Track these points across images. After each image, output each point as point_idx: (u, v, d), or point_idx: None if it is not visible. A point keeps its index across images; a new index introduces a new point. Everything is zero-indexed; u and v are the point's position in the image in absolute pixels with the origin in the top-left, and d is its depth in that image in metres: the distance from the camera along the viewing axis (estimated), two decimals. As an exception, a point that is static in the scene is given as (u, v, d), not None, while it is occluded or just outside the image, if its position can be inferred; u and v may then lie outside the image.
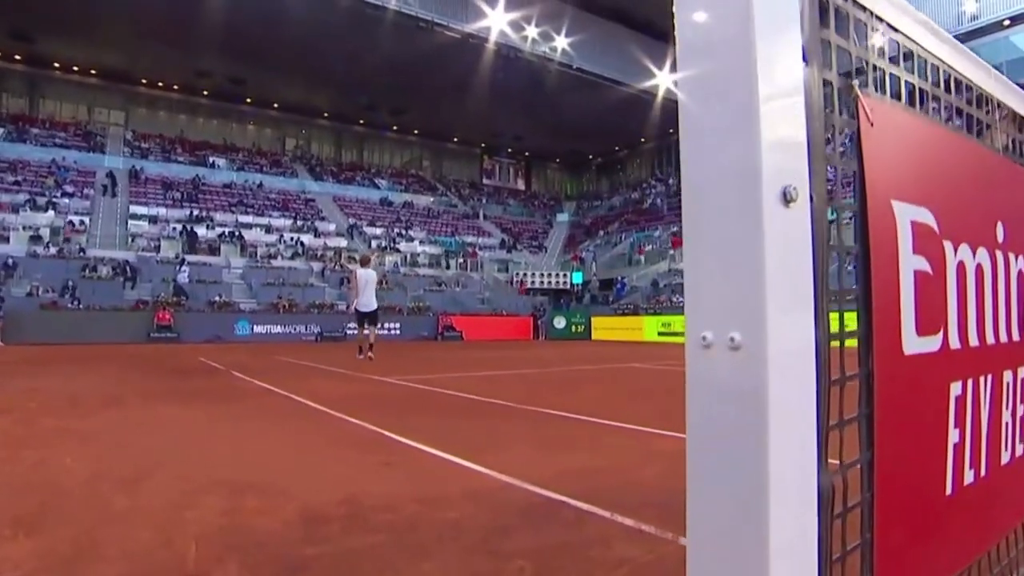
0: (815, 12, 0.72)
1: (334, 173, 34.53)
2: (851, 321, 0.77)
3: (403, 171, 37.74)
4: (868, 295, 0.76)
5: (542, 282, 29.55)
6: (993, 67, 1.17)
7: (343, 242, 27.76)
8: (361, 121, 35.25)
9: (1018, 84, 1.32)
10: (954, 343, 0.93)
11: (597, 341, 22.31)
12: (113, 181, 25.51)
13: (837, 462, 0.72)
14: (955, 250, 0.94)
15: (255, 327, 20.21)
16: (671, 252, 27.20)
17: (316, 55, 24.91)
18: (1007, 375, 1.09)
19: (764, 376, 0.58)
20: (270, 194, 30.02)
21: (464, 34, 24.33)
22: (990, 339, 1.04)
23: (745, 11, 0.61)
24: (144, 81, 29.94)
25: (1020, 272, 1.15)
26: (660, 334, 21.22)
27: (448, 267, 29.30)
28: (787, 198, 0.60)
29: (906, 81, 0.91)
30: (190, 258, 22.59)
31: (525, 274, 29.82)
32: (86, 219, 23.02)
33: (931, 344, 0.87)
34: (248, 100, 32.35)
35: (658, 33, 24.90)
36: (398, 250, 28.91)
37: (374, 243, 28.46)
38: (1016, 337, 1.12)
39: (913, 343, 0.83)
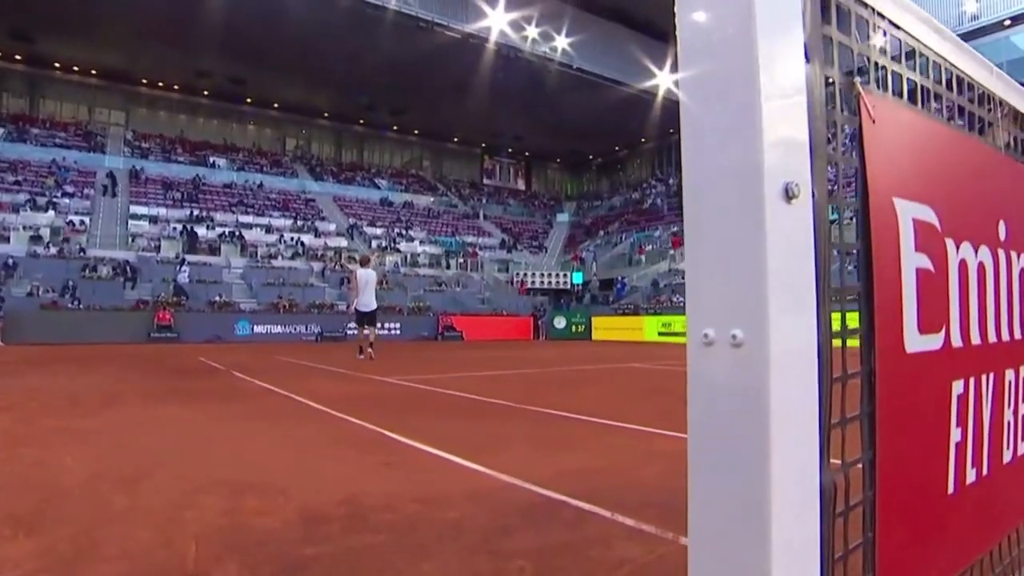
0: (817, 9, 0.72)
1: (334, 173, 34.54)
2: (852, 319, 0.77)
3: (403, 171, 37.74)
4: (870, 292, 0.76)
5: (542, 282, 29.55)
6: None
7: (343, 242, 27.76)
8: (361, 121, 35.25)
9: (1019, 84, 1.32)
10: (956, 341, 0.93)
11: (597, 341, 22.30)
12: (113, 181, 25.51)
13: (838, 462, 0.71)
14: (957, 248, 0.94)
15: (255, 327, 20.21)
16: (671, 252, 27.20)
17: (316, 55, 24.91)
18: (1009, 374, 1.09)
19: (766, 373, 0.57)
20: (270, 194, 30.02)
21: (464, 34, 24.33)
22: (992, 338, 1.04)
23: (747, 8, 0.61)
24: (144, 81, 29.95)
25: (1022, 271, 1.14)
26: (660, 334, 21.22)
27: (448, 267, 29.30)
28: (789, 194, 0.60)
29: (908, 78, 0.91)
30: (190, 258, 22.59)
31: (525, 274, 29.81)
32: (86, 219, 23.02)
33: (933, 342, 0.87)
34: (248, 100, 32.36)
35: (658, 33, 24.91)
36: (398, 250, 28.91)
37: (374, 243, 28.45)
38: (1018, 336, 1.12)
39: (915, 341, 0.83)
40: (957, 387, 0.93)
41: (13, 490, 2.42)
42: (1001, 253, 1.08)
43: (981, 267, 1.01)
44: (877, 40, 0.84)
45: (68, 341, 15.91)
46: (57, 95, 29.37)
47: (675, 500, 2.16)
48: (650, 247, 29.75)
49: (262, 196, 29.58)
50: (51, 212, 22.55)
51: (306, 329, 20.80)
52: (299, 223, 28.07)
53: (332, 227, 28.99)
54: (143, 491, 2.40)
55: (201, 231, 24.65)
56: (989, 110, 1.15)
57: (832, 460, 0.67)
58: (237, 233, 25.45)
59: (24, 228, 21.15)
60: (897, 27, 0.88)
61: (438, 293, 25.87)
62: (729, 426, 0.60)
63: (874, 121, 0.80)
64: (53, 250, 20.66)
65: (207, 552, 1.78)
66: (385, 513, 2.14)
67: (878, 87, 0.84)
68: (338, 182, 33.79)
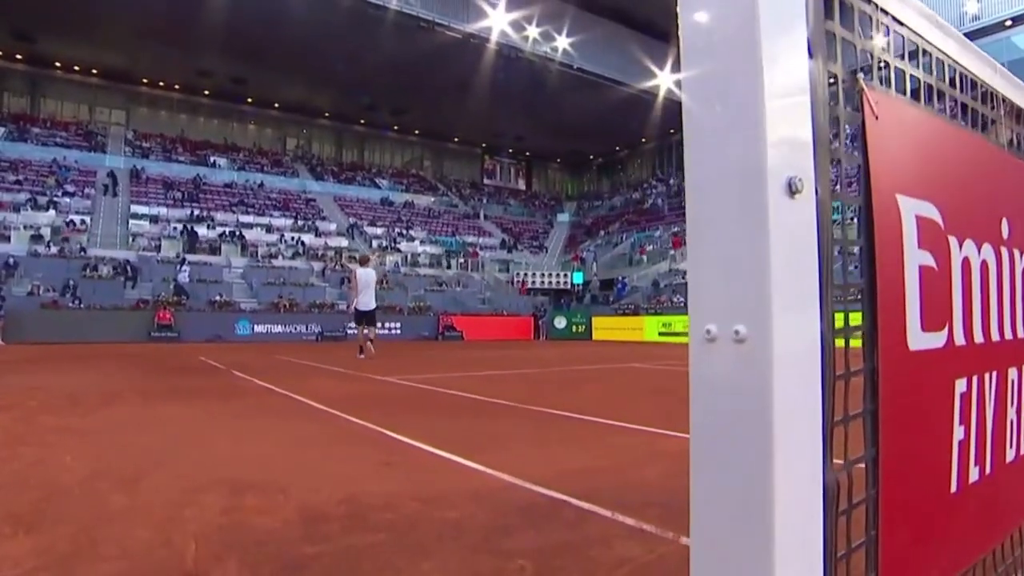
0: (820, 5, 0.72)
1: (335, 173, 34.54)
2: (855, 316, 0.76)
3: (404, 171, 37.75)
4: (873, 289, 0.76)
5: (543, 282, 29.54)
6: (995, 66, 1.16)
7: (344, 242, 27.77)
8: (362, 121, 35.27)
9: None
10: (959, 339, 0.92)
11: (598, 341, 22.30)
12: (114, 181, 25.53)
13: (840, 461, 0.71)
14: (960, 246, 0.94)
15: (256, 327, 20.22)
16: (672, 252, 27.21)
17: (317, 55, 24.93)
18: (1012, 372, 1.09)
19: (769, 369, 0.57)
20: (271, 194, 30.03)
21: (465, 34, 24.34)
22: (995, 336, 1.03)
23: (750, 5, 0.60)
24: (145, 81, 29.98)
25: (1025, 269, 1.14)
26: (661, 334, 21.23)
27: (449, 267, 29.30)
28: (792, 189, 0.59)
29: (911, 75, 0.90)
30: (191, 258, 22.60)
31: (526, 274, 29.81)
32: (87, 218, 23.04)
33: (936, 340, 0.87)
34: (249, 100, 32.38)
35: (659, 33, 24.90)
36: (399, 250, 28.92)
37: (375, 243, 28.47)
38: (1021, 334, 1.11)
39: (918, 339, 0.82)
40: (960, 385, 0.93)
41: (12, 488, 2.41)
42: (1004, 251, 1.07)
43: (984, 265, 1.01)
44: (880, 36, 0.84)
45: (68, 340, 15.92)
46: (58, 95, 29.40)
47: (676, 500, 2.15)
48: (651, 247, 29.75)
49: (263, 196, 29.59)
50: (52, 211, 22.57)
51: (306, 329, 20.81)
52: (300, 223, 28.08)
53: (333, 227, 29.00)
54: (143, 490, 2.40)
55: (202, 231, 24.66)
56: (992, 107, 1.14)
57: (834, 459, 0.67)
58: (238, 233, 25.46)
59: (25, 227, 21.17)
60: (900, 23, 0.87)
61: (438, 293, 25.88)
62: (731, 422, 0.59)
63: (877, 117, 0.79)
64: (54, 249, 20.68)
65: (206, 551, 1.77)
66: (385, 512, 2.13)
67: (881, 83, 0.84)
68: (339, 182, 33.80)
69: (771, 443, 0.57)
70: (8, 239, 20.39)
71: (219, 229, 25.32)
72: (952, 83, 1.01)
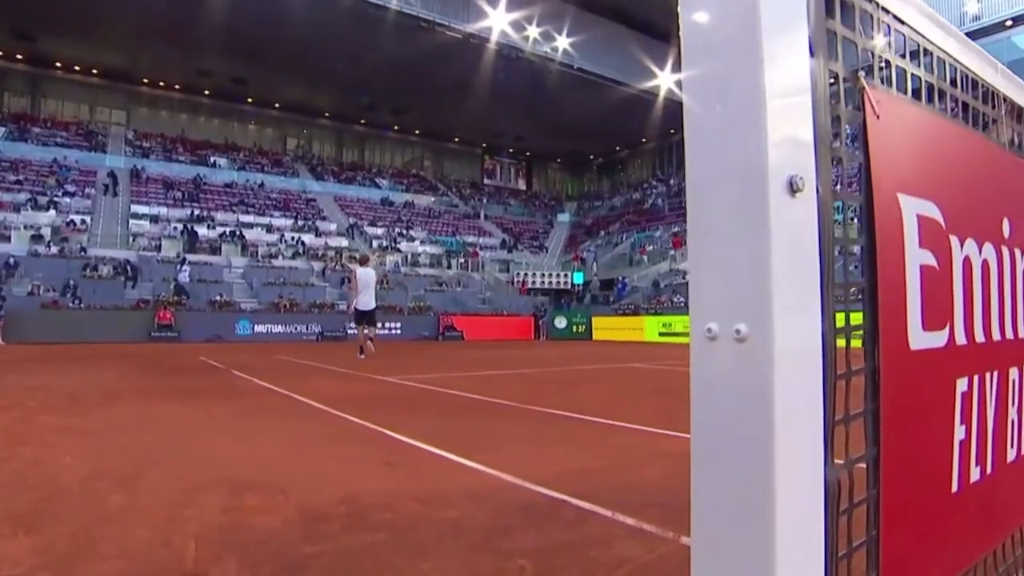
0: (821, 3, 0.72)
1: (335, 173, 34.54)
2: (855, 316, 0.76)
3: (404, 171, 37.75)
4: (874, 289, 0.76)
5: (543, 282, 29.54)
6: (996, 66, 1.16)
7: (344, 242, 27.77)
8: (362, 121, 35.27)
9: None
10: (960, 339, 0.92)
11: (598, 341, 22.29)
12: (114, 180, 25.53)
13: (841, 461, 0.71)
14: (961, 245, 0.94)
15: (256, 327, 20.22)
16: (672, 252, 27.20)
17: (317, 55, 24.92)
18: (1013, 372, 1.08)
19: (770, 368, 0.57)
20: (271, 194, 30.03)
21: (465, 34, 24.34)
22: (996, 336, 1.03)
23: (751, 3, 0.60)
24: (145, 81, 29.99)
25: (1026, 268, 1.14)
26: (661, 334, 21.22)
27: (449, 267, 29.29)
28: (793, 188, 0.59)
29: (912, 74, 0.90)
30: (191, 257, 22.59)
31: (526, 274, 29.80)
32: (87, 218, 23.04)
33: (937, 339, 0.86)
34: (249, 100, 32.38)
35: (659, 33, 24.89)
36: (399, 250, 28.92)
37: (375, 243, 28.46)
38: (1022, 334, 1.11)
39: (919, 338, 0.82)
40: (961, 385, 0.92)
41: (12, 488, 2.41)
42: (1005, 251, 1.07)
43: (985, 265, 1.00)
44: (881, 34, 0.84)
45: (69, 340, 15.92)
46: (58, 94, 29.40)
47: (676, 500, 2.15)
48: (651, 247, 29.75)
49: (263, 196, 29.59)
50: (52, 211, 22.56)
51: (307, 329, 20.80)
52: (300, 223, 28.08)
53: (333, 227, 29.00)
54: (142, 489, 2.40)
55: (202, 230, 24.66)
56: (993, 107, 1.14)
57: (835, 458, 0.66)
58: (238, 233, 25.45)
59: (25, 227, 21.17)
60: (901, 22, 0.87)
61: (439, 293, 25.87)
62: (732, 421, 0.59)
63: (878, 116, 0.79)
64: (54, 249, 20.67)
65: (206, 551, 1.77)
66: (385, 512, 2.13)
67: (882, 83, 0.83)
68: (339, 182, 33.80)
69: (772, 442, 0.57)
70: (8, 239, 20.39)
71: (219, 229, 25.31)
72: (953, 82, 1.01)
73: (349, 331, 18.00)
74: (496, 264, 31.11)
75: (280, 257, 25.15)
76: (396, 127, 36.43)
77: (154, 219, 24.70)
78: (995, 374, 1.02)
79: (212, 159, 30.66)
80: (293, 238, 26.59)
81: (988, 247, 1.01)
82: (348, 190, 33.31)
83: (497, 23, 24.46)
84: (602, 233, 35.10)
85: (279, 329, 20.53)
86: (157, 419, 4.25)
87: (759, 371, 0.57)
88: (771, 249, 0.57)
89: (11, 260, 18.88)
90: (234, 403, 5.08)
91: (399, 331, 21.99)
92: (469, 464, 2.84)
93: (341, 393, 5.72)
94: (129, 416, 4.35)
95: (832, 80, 0.74)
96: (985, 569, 1.00)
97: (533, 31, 25.32)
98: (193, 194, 27.31)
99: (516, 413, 4.59)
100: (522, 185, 41.91)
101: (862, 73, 0.79)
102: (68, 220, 22.41)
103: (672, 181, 35.19)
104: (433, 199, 35.78)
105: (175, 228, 24.29)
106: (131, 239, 23.22)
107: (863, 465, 0.75)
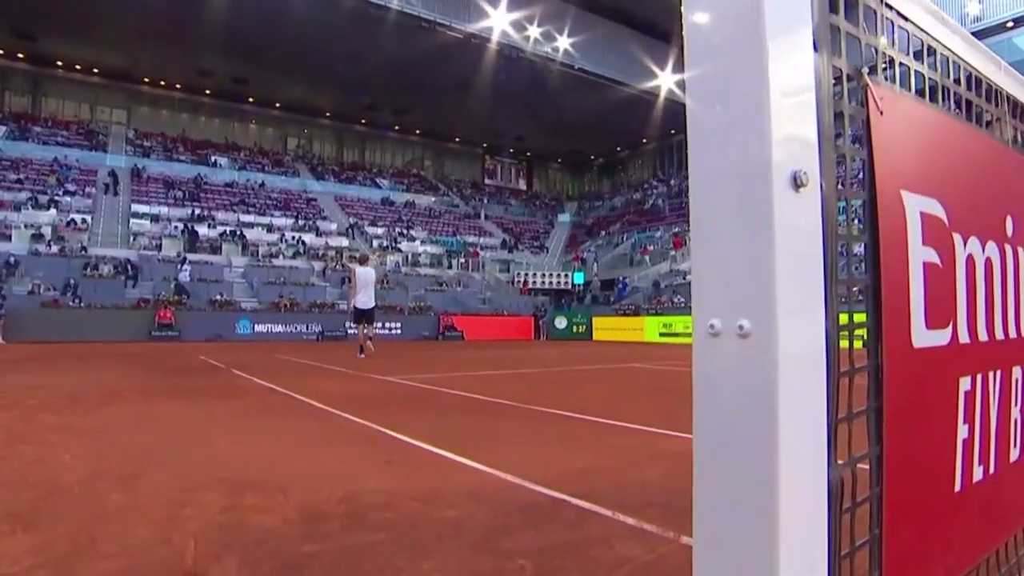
0: (825, 0, 0.71)
1: (336, 173, 34.55)
2: (859, 313, 0.76)
3: (405, 171, 37.75)
4: (877, 286, 0.75)
5: (543, 282, 29.53)
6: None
7: (344, 242, 27.78)
8: (363, 121, 35.28)
9: None
10: (963, 337, 0.92)
11: (598, 341, 22.29)
12: (115, 180, 25.54)
13: (844, 459, 0.70)
14: (964, 243, 0.93)
15: (256, 326, 20.22)
16: (673, 253, 27.20)
17: (318, 55, 24.93)
18: (1016, 371, 1.08)
19: (773, 365, 0.56)
20: (272, 193, 30.04)
21: (466, 34, 24.33)
22: (999, 334, 1.03)
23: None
24: (146, 80, 30.01)
25: (1029, 267, 1.13)
26: (661, 335, 21.22)
27: (449, 267, 29.29)
28: (797, 183, 0.59)
29: (916, 71, 0.90)
30: (191, 257, 22.59)
31: (526, 274, 29.80)
32: (88, 217, 23.05)
33: (940, 338, 0.86)
34: (250, 99, 32.39)
35: (660, 33, 24.88)
36: (399, 250, 28.92)
37: (375, 243, 28.47)
38: (1025, 333, 1.11)
39: (922, 336, 0.82)
40: (964, 383, 0.92)
41: (12, 487, 2.41)
42: (1008, 249, 1.06)
43: (988, 263, 1.00)
44: (885, 31, 0.83)
45: (69, 339, 15.92)
46: (59, 93, 29.42)
47: (677, 500, 2.15)
48: (651, 247, 29.74)
49: (263, 195, 29.60)
50: (53, 210, 22.57)
51: (307, 328, 20.81)
52: (300, 222, 28.08)
53: (333, 226, 29.00)
54: (142, 488, 2.39)
55: (202, 230, 24.67)
56: (997, 105, 1.13)
57: (838, 457, 0.66)
58: (238, 232, 25.46)
59: (26, 226, 21.18)
60: (905, 19, 0.87)
61: (439, 293, 25.87)
62: (735, 418, 0.59)
63: (882, 113, 0.79)
64: (54, 248, 20.68)
65: (206, 550, 1.77)
66: (385, 511, 2.13)
67: (886, 80, 0.83)
68: (339, 181, 33.81)
69: (775, 439, 0.56)
70: (9, 238, 20.40)
71: (220, 228, 25.32)
72: (957, 80, 1.01)
73: (349, 331, 18.01)
74: (496, 264, 31.11)
75: (280, 257, 25.16)
76: (397, 127, 36.44)
77: (155, 218, 24.72)
78: (998, 373, 1.01)
79: (213, 159, 30.67)
80: (294, 238, 26.59)
81: (991, 245, 1.01)
82: (349, 190, 33.32)
83: (498, 23, 24.46)
84: (602, 233, 35.10)
85: (279, 329, 20.54)
86: (157, 418, 4.25)
87: (762, 368, 0.57)
88: (775, 245, 0.57)
89: (12, 259, 18.89)
90: (234, 402, 5.08)
91: (399, 331, 21.99)
92: (469, 464, 2.84)
93: (341, 392, 5.72)
94: (129, 415, 4.35)
95: (836, 77, 0.74)
96: (988, 568, 1.00)
97: (534, 31, 25.32)
98: (194, 193, 27.32)
99: (516, 413, 4.58)
100: (523, 185, 41.91)
101: (866, 70, 0.79)
102: (69, 219, 22.42)
103: (673, 181, 35.18)
104: (434, 199, 35.79)
105: (176, 227, 24.30)
106: (132, 238, 23.23)
107: (866, 464, 0.75)
